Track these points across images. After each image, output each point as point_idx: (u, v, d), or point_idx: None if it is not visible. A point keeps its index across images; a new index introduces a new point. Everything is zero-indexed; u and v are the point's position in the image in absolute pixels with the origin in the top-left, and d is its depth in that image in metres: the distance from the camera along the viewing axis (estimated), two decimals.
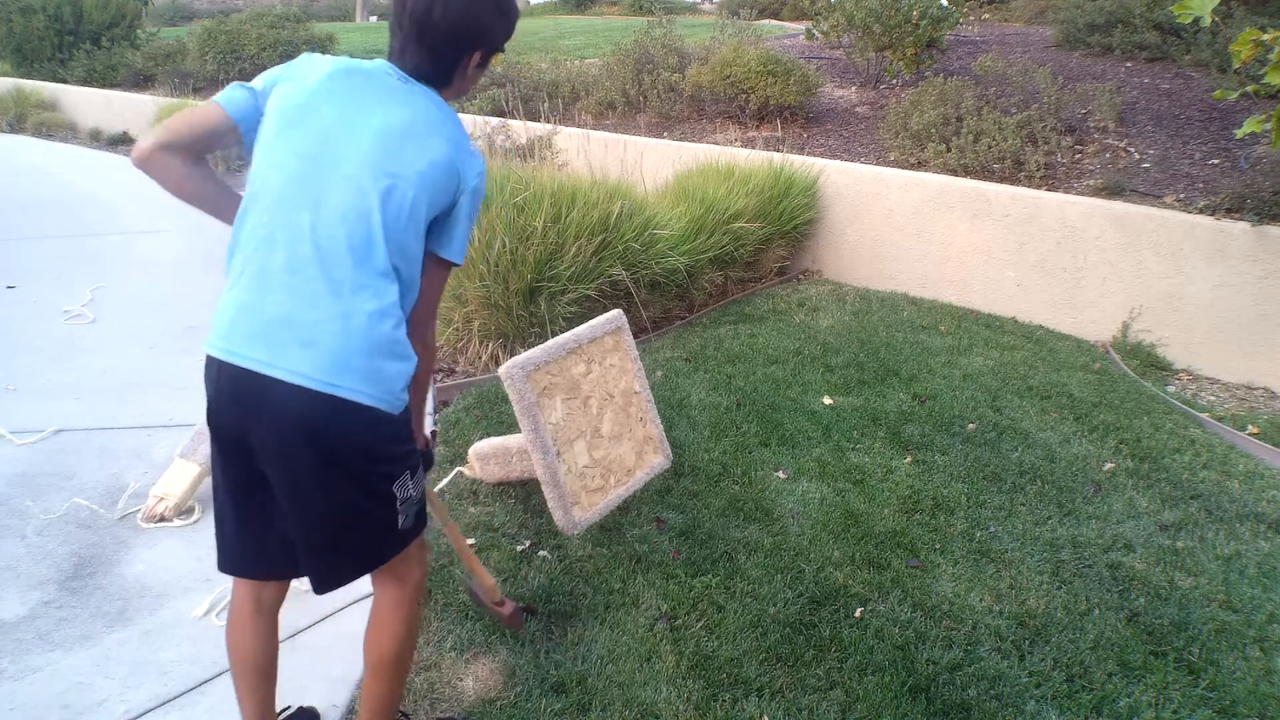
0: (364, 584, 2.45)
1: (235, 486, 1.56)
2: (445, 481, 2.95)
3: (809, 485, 2.99)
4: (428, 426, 1.82)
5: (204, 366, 1.50)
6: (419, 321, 1.56)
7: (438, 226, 1.55)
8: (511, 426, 3.30)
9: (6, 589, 2.38)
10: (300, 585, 2.45)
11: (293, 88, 1.51)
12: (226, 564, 1.64)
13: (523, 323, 3.91)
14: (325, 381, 1.40)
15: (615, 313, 3.04)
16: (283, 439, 1.43)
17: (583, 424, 2.83)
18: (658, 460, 3.07)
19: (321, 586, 1.58)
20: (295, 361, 1.39)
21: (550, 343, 2.77)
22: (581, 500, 2.73)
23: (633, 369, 3.05)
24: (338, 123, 1.47)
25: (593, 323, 2.95)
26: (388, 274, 1.45)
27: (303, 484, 1.47)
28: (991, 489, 3.00)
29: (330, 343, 1.40)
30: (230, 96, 1.55)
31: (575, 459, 2.76)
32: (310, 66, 1.54)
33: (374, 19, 20.05)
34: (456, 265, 1.59)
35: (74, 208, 6.87)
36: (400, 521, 1.57)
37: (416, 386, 1.60)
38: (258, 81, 1.57)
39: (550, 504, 2.67)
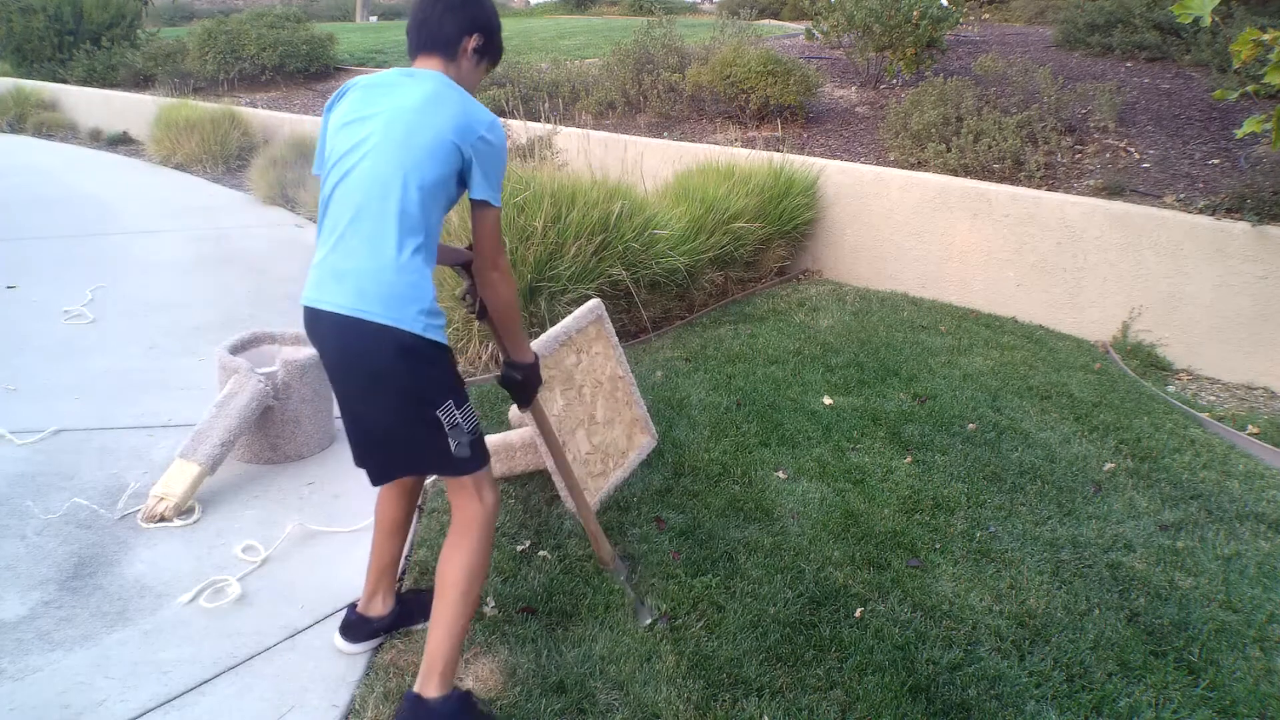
0: (361, 585, 2.45)
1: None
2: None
3: (809, 485, 2.99)
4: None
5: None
6: (481, 255, 1.89)
7: (468, 175, 1.83)
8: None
9: (6, 589, 2.39)
10: (299, 600, 2.45)
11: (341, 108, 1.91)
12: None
13: (522, 323, 3.91)
14: (352, 307, 1.75)
15: (594, 301, 3.09)
16: (331, 355, 1.85)
17: (580, 413, 2.87)
18: (646, 440, 3.11)
19: (377, 479, 2.00)
20: (333, 295, 1.78)
21: (544, 336, 2.82)
22: (588, 486, 2.76)
23: (614, 354, 3.10)
24: (365, 122, 1.82)
25: (576, 314, 2.99)
26: (411, 229, 1.77)
27: (352, 395, 1.87)
28: (991, 489, 3.00)
29: (358, 282, 1.76)
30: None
31: (578, 447, 2.81)
32: (349, 90, 1.92)
33: (374, 19, 20.03)
34: (493, 205, 1.85)
35: (74, 208, 6.86)
36: (453, 447, 1.84)
37: (499, 313, 1.99)
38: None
39: (563, 495, 2.71)
